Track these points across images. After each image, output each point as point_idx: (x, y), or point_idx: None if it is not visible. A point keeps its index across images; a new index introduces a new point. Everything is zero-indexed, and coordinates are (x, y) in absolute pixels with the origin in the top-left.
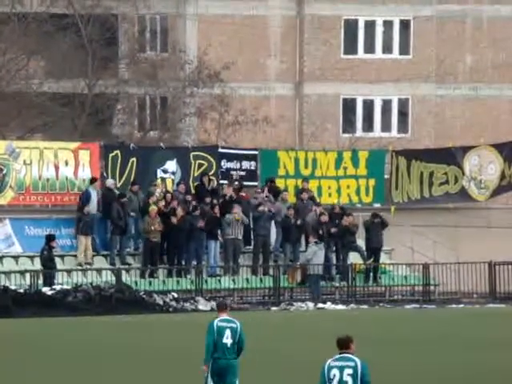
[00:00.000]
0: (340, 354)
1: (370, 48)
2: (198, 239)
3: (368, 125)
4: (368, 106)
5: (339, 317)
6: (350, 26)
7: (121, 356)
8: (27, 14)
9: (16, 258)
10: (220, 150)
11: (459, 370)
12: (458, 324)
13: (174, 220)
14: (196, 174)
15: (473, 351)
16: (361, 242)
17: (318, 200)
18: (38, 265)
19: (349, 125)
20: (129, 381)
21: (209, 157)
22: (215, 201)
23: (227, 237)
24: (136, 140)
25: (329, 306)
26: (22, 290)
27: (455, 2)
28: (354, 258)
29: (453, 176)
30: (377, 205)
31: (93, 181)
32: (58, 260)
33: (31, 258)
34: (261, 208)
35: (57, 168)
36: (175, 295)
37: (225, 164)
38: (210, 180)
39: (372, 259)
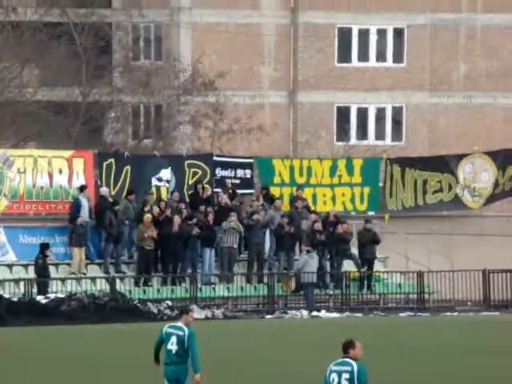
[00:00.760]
0: (342, 358)
1: (363, 56)
2: (193, 247)
3: (362, 133)
4: (362, 114)
5: (333, 325)
6: (344, 35)
7: (115, 365)
8: (21, 23)
9: (10, 266)
10: (214, 158)
11: (454, 378)
12: (452, 332)
13: (174, 227)
14: (190, 183)
15: (467, 359)
16: (355, 249)
17: (312, 208)
18: (32, 273)
19: (343, 133)
20: None
21: (203, 165)
22: (209, 209)
23: (223, 245)
24: (130, 148)
25: (323, 313)
26: (15, 299)
27: (449, 10)
28: (348, 266)
29: (447, 184)
30: (371, 213)
31: (82, 188)
32: (52, 268)
33: (25, 266)
34: (255, 216)
35: (51, 176)
36: (170, 303)
37: (219, 172)
38: (204, 188)
39: (366, 267)
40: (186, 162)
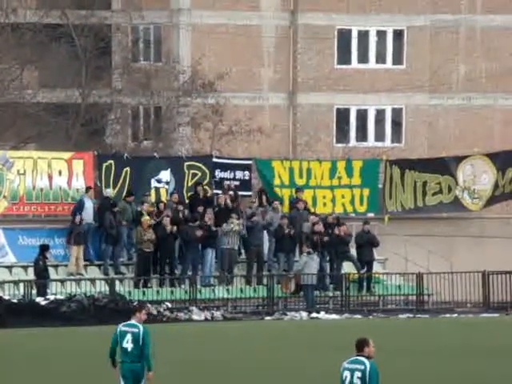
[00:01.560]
0: (355, 356)
1: (363, 58)
2: (194, 249)
3: (362, 134)
4: (361, 115)
5: (333, 326)
6: (344, 36)
7: None
8: (21, 25)
9: (9, 267)
10: (214, 159)
11: (454, 380)
12: (451, 333)
13: (168, 228)
14: (190, 184)
15: (467, 360)
16: (354, 251)
17: (312, 209)
18: (31, 275)
19: (342, 135)
20: None
21: (203, 167)
22: (209, 210)
23: (223, 246)
24: (130, 150)
25: (322, 315)
26: (15, 300)
27: (449, 11)
28: (347, 268)
29: (446, 185)
30: (371, 214)
31: (88, 189)
32: (51, 270)
33: (25, 267)
34: (255, 218)
35: (50, 178)
36: (169, 305)
37: (218, 174)
38: (204, 190)
39: (365, 269)
40: (186, 164)
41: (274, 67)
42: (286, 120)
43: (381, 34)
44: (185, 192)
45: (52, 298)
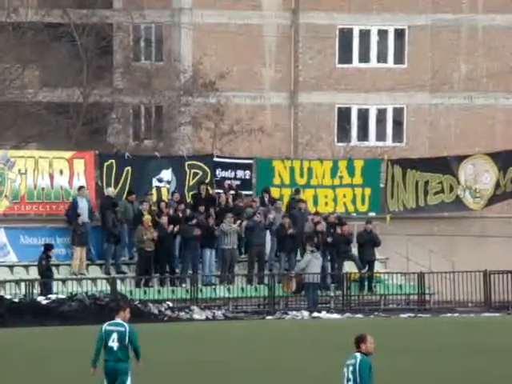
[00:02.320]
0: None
1: (364, 57)
2: (193, 248)
3: (363, 134)
4: (363, 115)
5: (334, 326)
6: (345, 35)
7: None
8: (22, 24)
9: (11, 267)
10: (215, 159)
11: (455, 379)
12: (453, 333)
13: (166, 229)
14: (191, 183)
15: (468, 360)
16: (356, 250)
17: (312, 209)
18: (32, 274)
19: (344, 134)
20: None
21: (204, 166)
22: (211, 209)
23: (224, 246)
24: (131, 149)
25: (324, 314)
26: (16, 300)
27: (450, 11)
28: (349, 267)
29: (448, 185)
30: (372, 214)
31: (80, 189)
32: (53, 269)
33: (26, 267)
34: (256, 217)
35: (52, 177)
36: (170, 304)
37: (220, 173)
38: (207, 189)
39: (366, 269)
40: (187, 163)
41: (275, 66)
42: (288, 119)
43: (382, 34)
44: (186, 191)
45: (53, 297)
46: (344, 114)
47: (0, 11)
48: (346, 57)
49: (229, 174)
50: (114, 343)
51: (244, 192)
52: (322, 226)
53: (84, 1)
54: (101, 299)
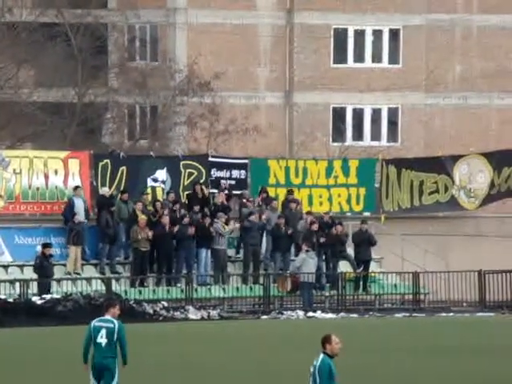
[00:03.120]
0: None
1: (359, 57)
2: (188, 248)
3: (358, 134)
4: (358, 114)
5: (329, 325)
6: (340, 35)
7: None
8: (17, 23)
9: (5, 267)
10: (210, 158)
11: (450, 379)
12: (448, 333)
13: (165, 228)
14: (186, 183)
15: (463, 360)
16: (351, 250)
17: (306, 209)
18: (27, 274)
19: (338, 134)
20: None
21: (199, 166)
22: (206, 209)
23: (218, 247)
24: (126, 149)
25: (319, 314)
26: (11, 300)
27: (444, 11)
28: (344, 267)
29: (443, 185)
30: (367, 213)
31: (76, 188)
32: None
33: (21, 267)
34: (252, 217)
35: (46, 177)
36: (165, 304)
37: (215, 173)
38: (202, 189)
39: (362, 268)
40: (182, 163)
41: (270, 66)
42: (283, 119)
43: (377, 34)
44: (181, 191)
45: (48, 297)
46: (339, 114)
47: None
48: (340, 57)
49: (224, 173)
50: (102, 339)
51: (239, 192)
52: (316, 226)
53: (78, 1)
54: (95, 299)
